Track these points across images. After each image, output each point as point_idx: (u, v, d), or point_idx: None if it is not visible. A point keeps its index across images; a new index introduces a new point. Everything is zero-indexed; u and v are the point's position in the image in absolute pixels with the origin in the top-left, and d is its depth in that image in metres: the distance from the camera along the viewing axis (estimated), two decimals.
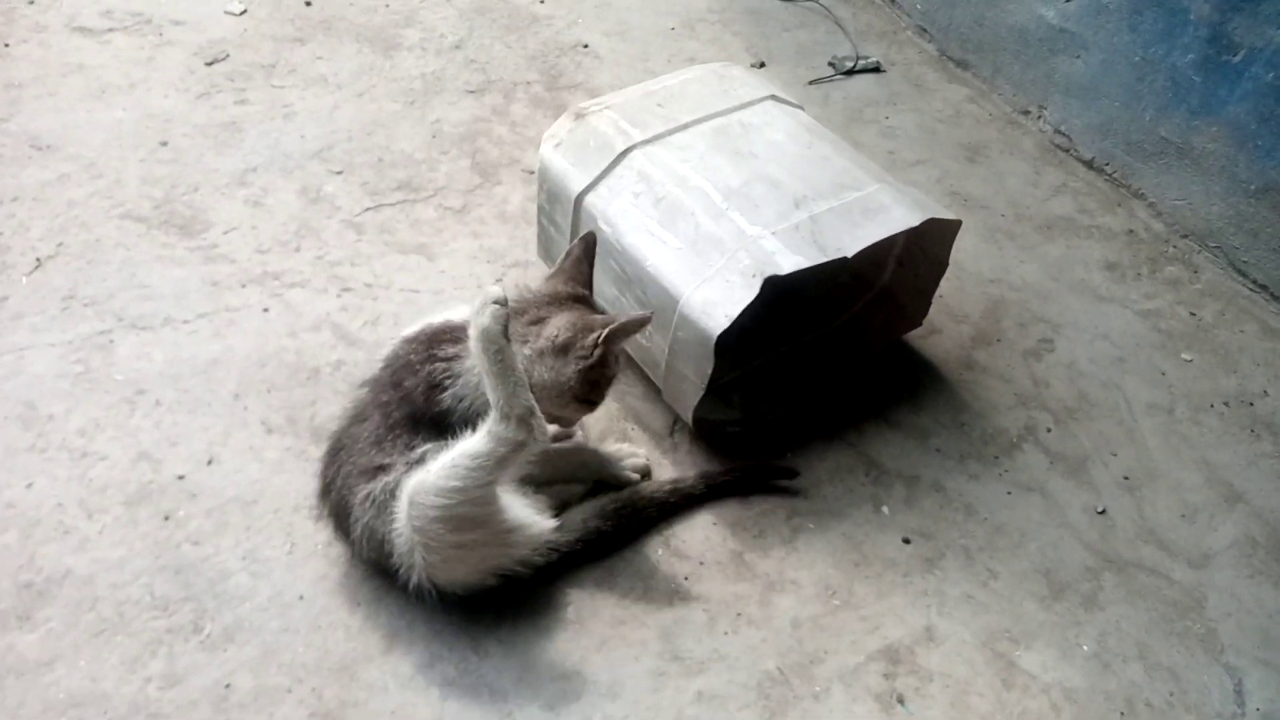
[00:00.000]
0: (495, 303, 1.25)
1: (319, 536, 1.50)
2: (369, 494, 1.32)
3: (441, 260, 2.00)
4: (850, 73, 2.65)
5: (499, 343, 1.25)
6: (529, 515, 1.38)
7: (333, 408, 1.69)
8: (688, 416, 1.63)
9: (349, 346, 1.81)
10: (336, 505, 1.39)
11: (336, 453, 1.40)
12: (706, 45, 2.71)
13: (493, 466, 1.27)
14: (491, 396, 1.26)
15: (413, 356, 1.37)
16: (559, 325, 1.37)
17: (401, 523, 1.30)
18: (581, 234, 1.60)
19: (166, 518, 1.52)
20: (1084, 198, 2.31)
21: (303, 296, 1.89)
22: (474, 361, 1.29)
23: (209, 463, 1.60)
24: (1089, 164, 2.37)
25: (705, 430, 1.68)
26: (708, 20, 2.80)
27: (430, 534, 1.29)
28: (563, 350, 1.35)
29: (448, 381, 1.33)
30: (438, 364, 1.34)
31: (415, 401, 1.34)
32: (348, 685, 1.35)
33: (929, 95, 2.61)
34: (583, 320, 1.37)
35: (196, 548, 1.49)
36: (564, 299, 1.42)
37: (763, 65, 2.65)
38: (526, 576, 1.40)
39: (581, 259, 1.48)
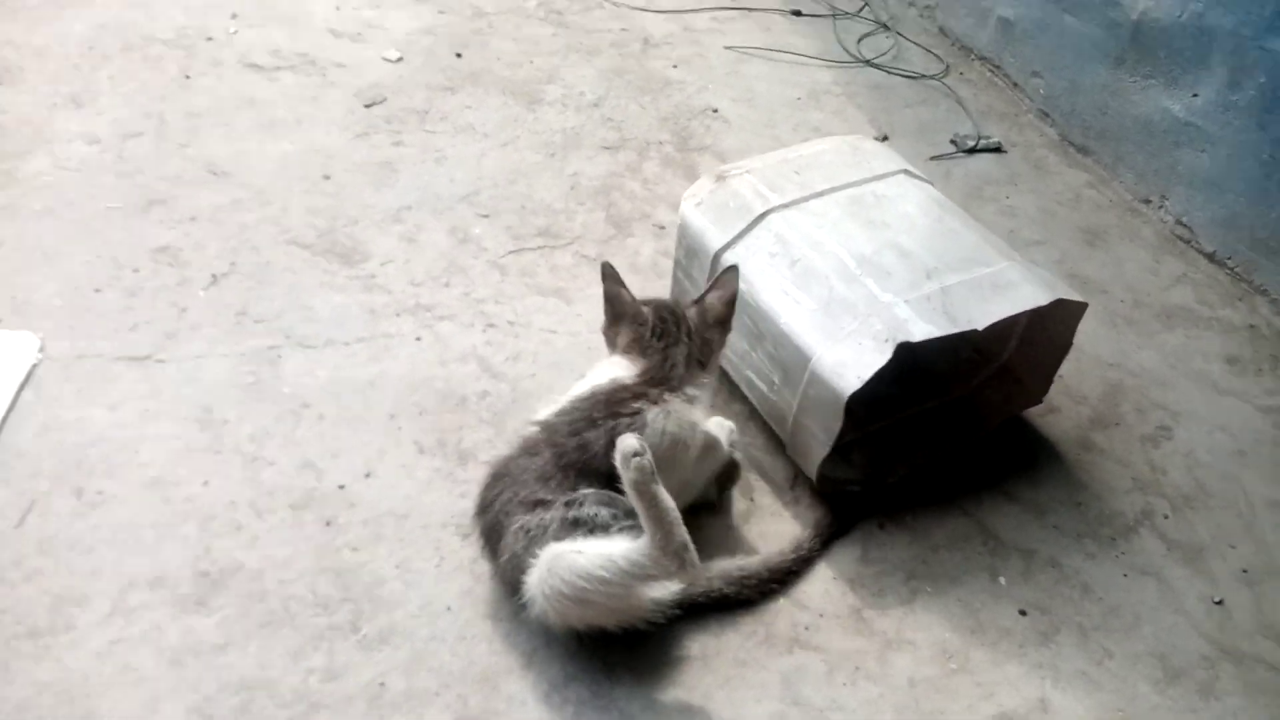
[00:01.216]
0: (635, 455, 1.34)
1: (465, 553, 1.61)
2: (524, 525, 1.43)
3: (577, 304, 2.12)
4: (971, 151, 2.73)
5: (649, 489, 1.34)
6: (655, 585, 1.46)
7: (478, 434, 1.81)
8: (812, 472, 1.71)
9: (493, 379, 1.93)
10: (490, 526, 1.50)
11: (500, 478, 1.51)
12: (830, 116, 2.82)
13: (640, 578, 1.37)
14: (648, 530, 1.35)
15: (595, 413, 1.50)
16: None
17: (538, 573, 1.39)
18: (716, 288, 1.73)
19: (328, 523, 1.64)
20: (1204, 289, 2.35)
21: (451, 329, 2.02)
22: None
23: (367, 476, 1.72)
24: (1210, 256, 2.41)
25: (827, 486, 1.76)
26: (832, 92, 2.91)
27: (558, 601, 1.39)
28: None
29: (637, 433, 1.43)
30: (622, 419, 1.48)
31: (593, 452, 1.46)
32: (490, 695, 1.45)
33: (1049, 178, 2.67)
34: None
35: (355, 554, 1.61)
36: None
37: (885, 139, 2.74)
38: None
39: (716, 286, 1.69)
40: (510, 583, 1.48)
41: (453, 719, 1.42)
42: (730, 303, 1.68)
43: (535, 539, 1.42)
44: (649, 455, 1.34)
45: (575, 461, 1.47)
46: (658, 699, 1.47)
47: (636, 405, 1.51)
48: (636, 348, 1.63)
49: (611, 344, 1.70)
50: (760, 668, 1.52)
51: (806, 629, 1.58)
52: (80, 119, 2.41)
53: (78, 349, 1.87)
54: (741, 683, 1.50)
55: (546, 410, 1.58)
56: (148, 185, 2.25)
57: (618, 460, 1.35)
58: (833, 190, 1.89)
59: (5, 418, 1.74)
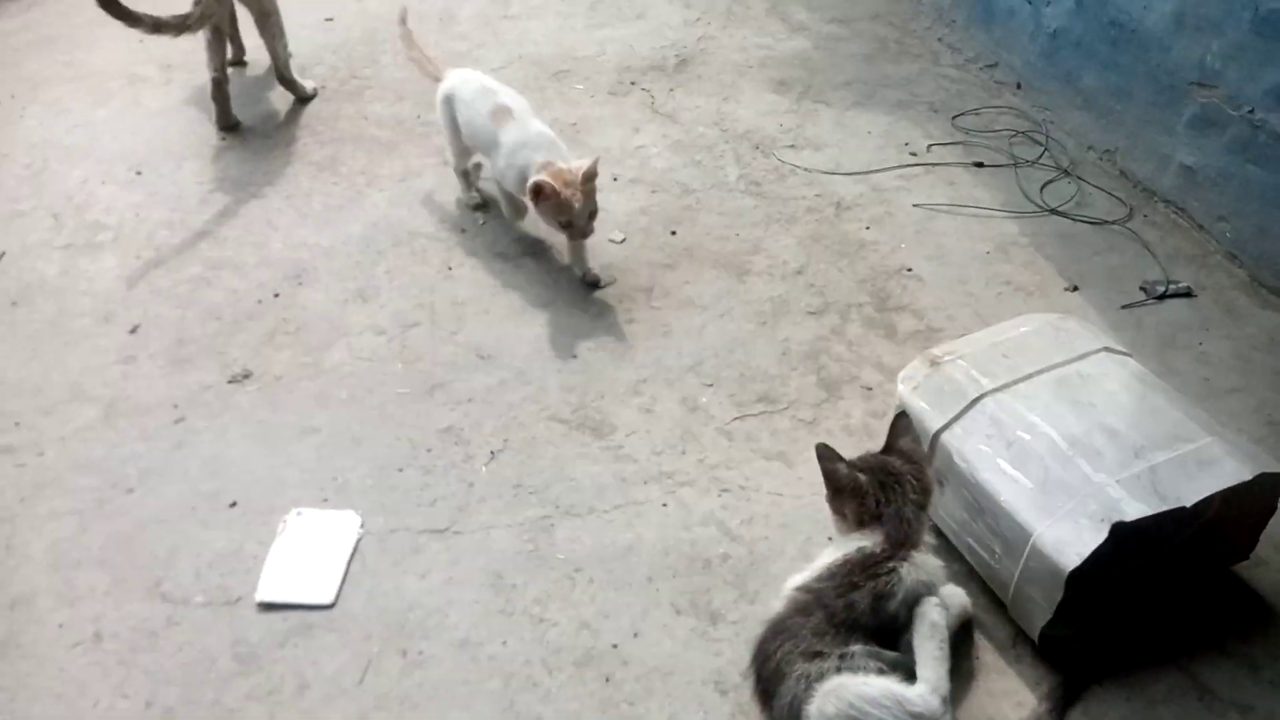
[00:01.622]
0: (938, 604, 1.77)
1: (725, 709, 1.88)
2: (805, 671, 1.70)
3: (799, 468, 2.39)
4: (1162, 297, 2.87)
5: (943, 634, 1.73)
6: None
7: (724, 595, 2.09)
8: (1034, 633, 1.90)
9: (732, 541, 2.21)
10: (770, 674, 1.75)
11: (779, 633, 1.78)
12: (1020, 268, 3.02)
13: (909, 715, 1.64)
14: (923, 672, 1.68)
15: (854, 578, 1.78)
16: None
17: (820, 699, 1.66)
18: (934, 462, 1.98)
19: (607, 680, 1.95)
20: None
21: (691, 495, 2.32)
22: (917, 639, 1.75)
23: (635, 635, 2.02)
24: None
25: (1048, 645, 1.94)
26: (1020, 244, 3.12)
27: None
28: None
29: (896, 589, 1.75)
30: (880, 578, 1.76)
31: (860, 610, 1.75)
32: None
33: (1242, 321, 2.78)
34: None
35: (632, 708, 1.90)
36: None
37: (1076, 289, 2.92)
38: None
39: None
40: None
41: None
42: (917, 439, 1.97)
43: (814, 682, 1.69)
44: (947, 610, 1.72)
45: (845, 620, 1.75)
46: None
47: (890, 565, 1.78)
48: (867, 518, 1.88)
49: (838, 513, 1.94)
50: None
51: None
52: (367, 312, 2.88)
53: (390, 524, 2.26)
54: None
55: (802, 576, 1.86)
56: (428, 371, 2.67)
57: (922, 607, 1.76)
58: (1040, 372, 2.10)
59: (342, 587, 2.13)
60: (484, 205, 3.27)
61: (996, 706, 1.88)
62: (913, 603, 1.78)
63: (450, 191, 3.37)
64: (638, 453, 2.44)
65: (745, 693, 1.89)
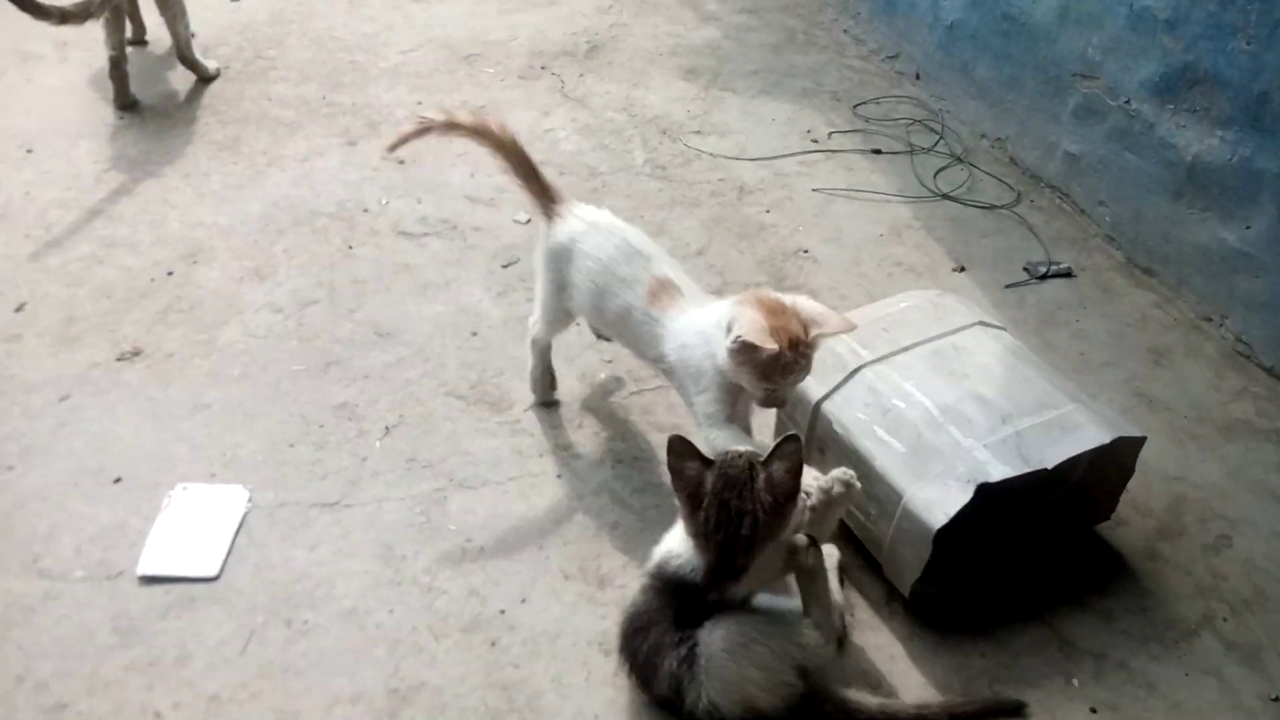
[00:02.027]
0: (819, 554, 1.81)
1: (608, 668, 1.92)
2: (676, 656, 1.75)
3: (695, 438, 2.43)
4: (1044, 277, 2.99)
5: (825, 579, 1.83)
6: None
7: (614, 561, 2.13)
8: (905, 591, 1.98)
9: (623, 510, 2.25)
10: (643, 669, 1.80)
11: (637, 632, 1.81)
12: (912, 250, 3.12)
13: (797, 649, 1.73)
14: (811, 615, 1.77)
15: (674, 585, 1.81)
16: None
17: (706, 655, 1.73)
18: (816, 431, 2.04)
19: (493, 644, 1.97)
20: (1264, 402, 2.55)
21: (585, 466, 2.36)
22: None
23: (523, 601, 2.05)
24: (1269, 371, 2.62)
25: (919, 601, 2.02)
26: (913, 227, 3.22)
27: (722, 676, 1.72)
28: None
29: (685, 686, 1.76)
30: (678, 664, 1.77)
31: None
32: None
33: (1117, 300, 2.91)
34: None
35: (517, 670, 1.93)
36: None
37: (963, 269, 3.03)
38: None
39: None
40: (672, 700, 1.78)
41: None
42: (795, 474, 1.68)
43: (690, 660, 1.74)
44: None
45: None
46: None
47: (685, 648, 1.76)
48: (694, 528, 1.73)
49: (680, 504, 1.77)
50: None
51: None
52: (264, 290, 2.86)
53: (279, 498, 2.26)
54: None
55: (657, 554, 1.88)
56: (325, 348, 2.67)
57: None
58: (917, 344, 2.17)
59: (226, 560, 2.12)
60: (554, 401, 2.51)
61: (869, 661, 1.95)
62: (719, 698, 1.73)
63: (356, 171, 3.36)
64: (535, 427, 2.46)
65: None
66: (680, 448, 1.71)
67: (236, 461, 2.34)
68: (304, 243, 3.05)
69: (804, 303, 1.93)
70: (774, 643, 1.73)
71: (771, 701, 1.73)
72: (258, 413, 2.47)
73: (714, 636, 1.73)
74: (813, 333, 1.87)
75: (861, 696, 1.81)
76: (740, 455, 1.71)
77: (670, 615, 1.78)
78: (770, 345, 1.78)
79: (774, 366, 1.83)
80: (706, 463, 1.71)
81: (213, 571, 2.09)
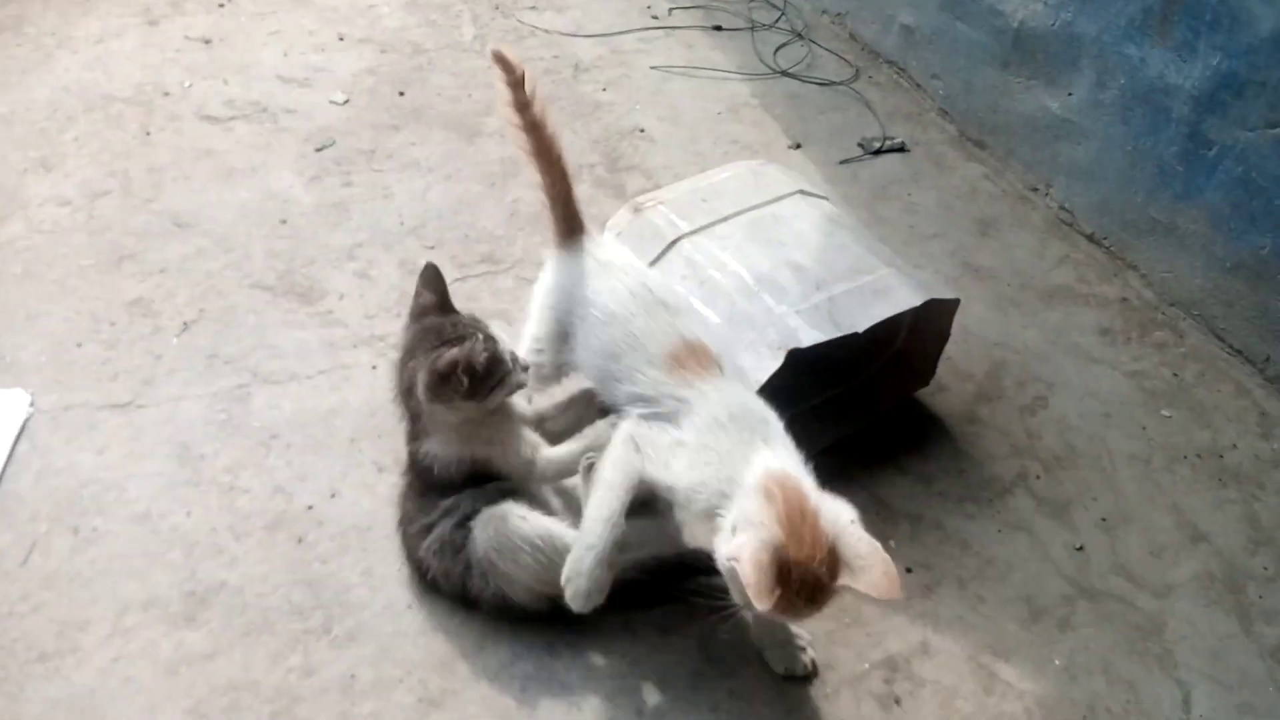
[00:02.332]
0: (622, 458, 1.60)
1: None
2: (431, 543, 1.71)
3: (519, 325, 2.33)
4: (878, 152, 2.97)
5: (612, 488, 1.58)
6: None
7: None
8: None
9: None
10: (416, 562, 1.77)
11: (401, 523, 1.80)
12: (749, 128, 3.04)
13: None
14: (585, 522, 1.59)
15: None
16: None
17: (481, 533, 1.66)
18: None
19: (300, 540, 1.87)
20: (1084, 268, 2.60)
21: None
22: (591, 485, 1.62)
23: (333, 496, 1.95)
24: (1089, 237, 2.66)
25: None
26: (750, 105, 3.14)
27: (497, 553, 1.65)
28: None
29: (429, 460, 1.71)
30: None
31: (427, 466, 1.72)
32: (448, 677, 1.68)
33: (948, 173, 2.91)
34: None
35: (324, 565, 1.83)
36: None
37: (799, 146, 2.97)
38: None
39: (420, 292, 1.76)
40: (450, 586, 1.73)
41: (415, 700, 1.65)
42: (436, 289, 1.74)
43: (447, 547, 1.69)
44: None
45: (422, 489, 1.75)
46: (594, 668, 1.71)
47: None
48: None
49: None
50: (682, 636, 1.76)
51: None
52: (50, 182, 2.62)
53: (65, 401, 2.08)
54: (666, 648, 1.74)
55: None
56: (118, 241, 2.46)
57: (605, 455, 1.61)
58: (736, 214, 2.11)
59: (4, 469, 1.95)
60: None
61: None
62: (454, 463, 1.69)
63: (156, 52, 3.09)
64: (349, 318, 2.33)
65: None
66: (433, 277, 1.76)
67: (17, 364, 2.15)
68: (96, 130, 2.80)
69: (848, 531, 1.45)
70: (538, 553, 1.64)
71: (549, 594, 1.67)
72: (40, 312, 2.27)
73: (479, 536, 1.67)
74: (841, 580, 1.40)
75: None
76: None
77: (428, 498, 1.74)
78: (764, 603, 1.33)
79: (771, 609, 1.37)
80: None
81: None
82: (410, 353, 1.71)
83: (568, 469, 1.75)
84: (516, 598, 1.68)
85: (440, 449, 1.70)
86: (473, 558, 1.67)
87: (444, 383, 1.59)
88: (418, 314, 1.75)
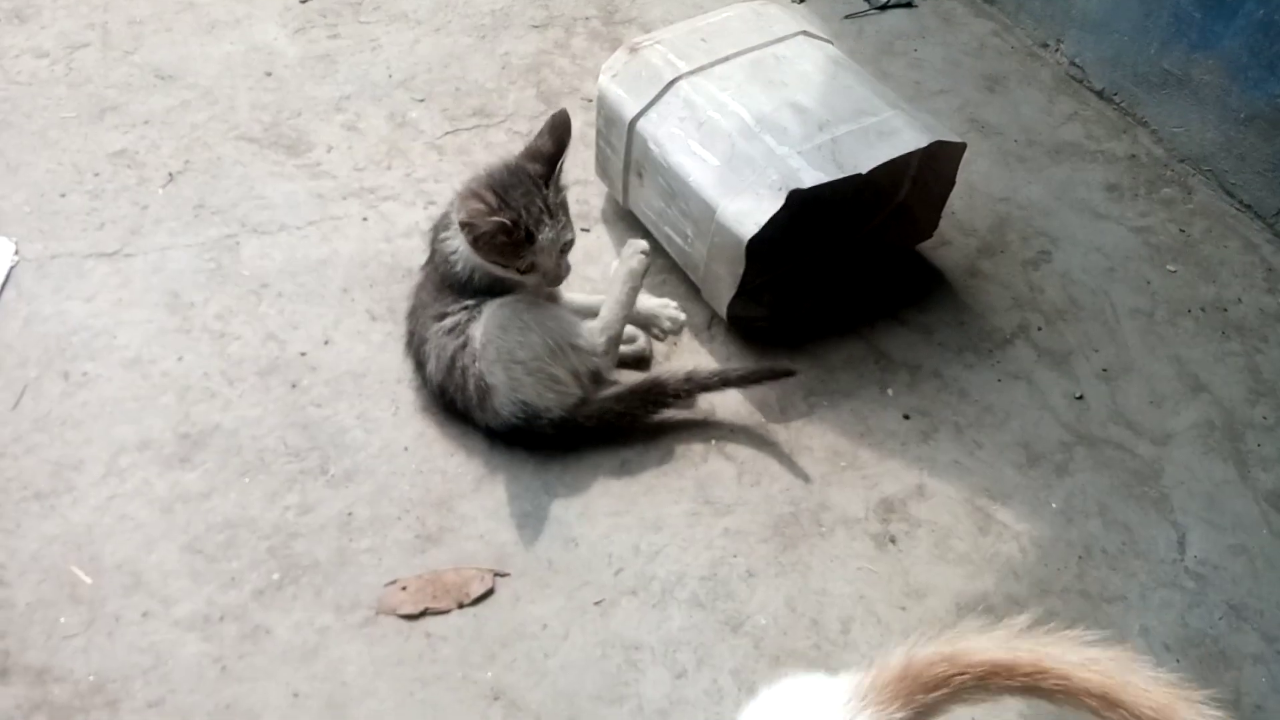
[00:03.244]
0: (642, 252, 1.79)
1: (418, 402, 1.83)
2: (443, 328, 1.71)
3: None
4: (884, 8, 2.86)
5: (636, 281, 1.79)
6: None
7: None
8: (723, 312, 1.92)
9: None
10: (417, 347, 1.77)
11: (413, 313, 1.79)
12: None
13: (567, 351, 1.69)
14: (602, 312, 1.75)
15: (434, 243, 1.78)
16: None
17: (483, 326, 1.69)
18: (633, 153, 1.92)
19: (293, 385, 1.85)
20: (1092, 125, 2.53)
21: (395, 208, 2.19)
22: (609, 285, 1.80)
23: (325, 343, 1.92)
24: (1099, 94, 2.58)
25: (739, 325, 1.97)
26: None
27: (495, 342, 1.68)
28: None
29: (455, 258, 1.71)
30: (444, 243, 1.73)
31: (444, 271, 1.74)
32: (445, 515, 1.69)
33: (956, 29, 2.81)
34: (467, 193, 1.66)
35: (319, 409, 1.82)
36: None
37: (802, 1, 2.86)
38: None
39: (543, 133, 1.71)
40: (441, 385, 1.74)
41: (413, 536, 1.66)
42: (557, 139, 1.68)
43: (458, 331, 1.70)
44: (650, 260, 1.79)
45: (439, 281, 1.75)
46: (590, 507, 1.71)
47: (445, 235, 1.73)
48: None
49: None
50: (678, 476, 1.76)
51: (716, 441, 1.81)
52: (26, 34, 2.52)
53: (51, 250, 2.04)
54: (662, 489, 1.74)
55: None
56: (99, 94, 2.38)
57: (624, 252, 1.81)
58: (737, 54, 2.03)
59: None
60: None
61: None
62: (477, 269, 1.69)
63: None
64: (338, 169, 2.27)
65: None
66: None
67: (0, 214, 2.10)
68: None
69: None
70: (546, 334, 1.69)
71: (542, 394, 1.70)
72: (22, 163, 2.20)
73: (488, 313, 1.69)
74: None
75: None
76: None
77: (429, 291, 1.76)
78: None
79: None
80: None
81: None
82: (489, 176, 1.68)
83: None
84: (506, 389, 1.68)
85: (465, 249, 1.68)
86: (476, 345, 1.68)
87: (464, 229, 1.62)
88: (525, 153, 1.71)
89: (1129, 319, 2.09)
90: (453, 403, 1.74)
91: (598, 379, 1.77)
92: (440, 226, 1.76)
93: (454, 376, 1.70)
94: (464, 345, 1.69)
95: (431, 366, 1.72)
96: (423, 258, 1.91)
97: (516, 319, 1.67)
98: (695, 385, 1.79)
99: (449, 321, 1.70)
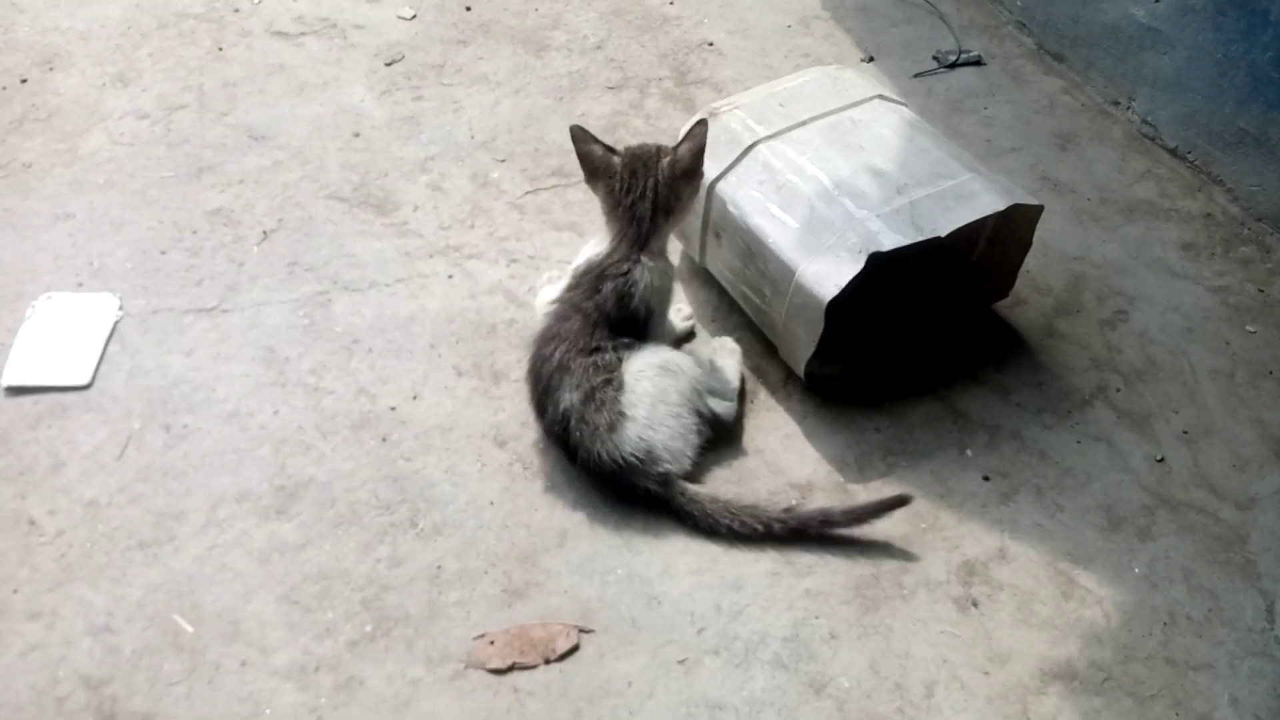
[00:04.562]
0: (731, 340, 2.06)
1: (503, 457, 1.88)
2: (591, 363, 1.78)
3: (591, 236, 2.33)
4: (953, 66, 2.90)
5: (738, 354, 2.04)
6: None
7: (508, 357, 2.06)
8: (800, 371, 1.95)
9: (518, 308, 2.17)
10: (548, 379, 1.81)
11: (549, 339, 1.82)
12: (820, 41, 2.99)
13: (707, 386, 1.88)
14: (721, 376, 1.97)
15: (598, 283, 1.84)
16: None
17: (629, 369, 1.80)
18: (711, 214, 1.98)
19: (384, 439, 1.91)
20: (1166, 183, 2.53)
21: (479, 266, 2.26)
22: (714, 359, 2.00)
23: (414, 398, 1.99)
24: (1173, 152, 2.59)
25: (815, 383, 2.00)
26: (821, 17, 3.08)
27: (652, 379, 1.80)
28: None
29: (633, 290, 1.82)
30: (617, 279, 1.83)
31: (608, 309, 1.82)
32: (530, 570, 1.73)
33: (1026, 87, 2.84)
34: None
35: (409, 463, 1.88)
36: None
37: (871, 60, 2.91)
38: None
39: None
40: (567, 414, 1.78)
41: (500, 590, 1.70)
42: (698, 154, 1.86)
43: (606, 369, 1.78)
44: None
45: (599, 319, 1.82)
46: (671, 565, 1.74)
47: (625, 268, 1.83)
48: (610, 204, 1.87)
49: (597, 194, 1.91)
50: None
51: (796, 502, 1.83)
52: (128, 96, 2.65)
53: (152, 305, 2.13)
54: (742, 547, 1.77)
55: (555, 289, 1.92)
56: (196, 154, 2.49)
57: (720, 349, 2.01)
58: (814, 119, 2.08)
59: (97, 368, 2.01)
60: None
61: (765, 439, 1.95)
62: (651, 301, 1.84)
63: None
64: (424, 228, 2.35)
65: (523, 444, 1.91)
66: (582, 134, 1.85)
67: (105, 270, 2.20)
68: (170, 46, 2.82)
69: None
70: (694, 381, 1.84)
71: (672, 439, 1.78)
72: (125, 220, 2.32)
73: (647, 354, 1.82)
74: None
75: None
76: (647, 143, 1.90)
77: (575, 330, 1.82)
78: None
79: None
80: (611, 150, 1.86)
81: (84, 379, 1.98)
82: (633, 168, 1.85)
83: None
84: (643, 424, 1.77)
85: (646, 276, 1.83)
86: (628, 378, 1.79)
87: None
88: (601, 157, 1.87)
89: (1209, 380, 2.08)
90: (567, 435, 1.78)
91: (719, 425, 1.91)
92: (614, 262, 1.84)
93: (589, 406, 1.75)
94: (609, 380, 1.77)
95: (567, 395, 1.77)
96: (507, 315, 1.98)
97: (674, 364, 1.81)
98: (794, 522, 1.75)
99: (599, 358, 1.79)
